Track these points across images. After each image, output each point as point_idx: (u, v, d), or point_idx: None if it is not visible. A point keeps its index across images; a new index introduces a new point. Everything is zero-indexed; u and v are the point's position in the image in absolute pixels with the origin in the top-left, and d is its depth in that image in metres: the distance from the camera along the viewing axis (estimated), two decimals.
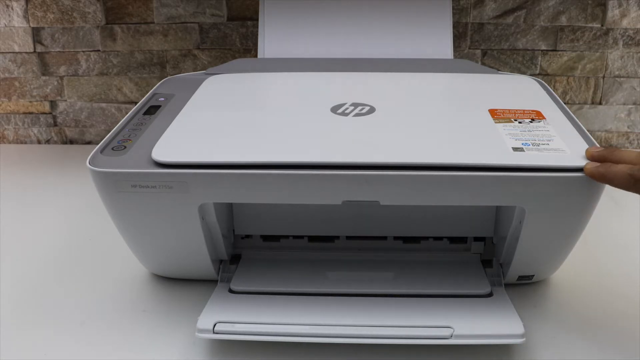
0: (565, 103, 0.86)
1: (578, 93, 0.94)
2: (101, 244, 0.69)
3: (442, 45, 0.78)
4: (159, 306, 0.59)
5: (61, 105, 0.99)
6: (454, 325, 0.51)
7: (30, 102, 0.99)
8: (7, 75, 0.97)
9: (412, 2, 0.79)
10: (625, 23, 0.89)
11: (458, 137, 0.54)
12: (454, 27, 0.89)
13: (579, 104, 0.95)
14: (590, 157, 0.50)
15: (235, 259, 0.63)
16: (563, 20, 0.90)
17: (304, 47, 0.79)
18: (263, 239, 0.63)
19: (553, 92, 0.64)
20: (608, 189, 0.51)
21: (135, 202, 0.52)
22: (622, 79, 0.93)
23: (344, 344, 0.53)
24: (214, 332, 0.51)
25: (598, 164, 0.49)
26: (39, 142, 1.02)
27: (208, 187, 0.51)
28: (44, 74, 0.97)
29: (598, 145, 0.53)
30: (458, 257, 0.62)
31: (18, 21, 0.93)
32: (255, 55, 0.81)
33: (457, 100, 0.65)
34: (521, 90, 0.65)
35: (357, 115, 0.57)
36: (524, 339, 0.50)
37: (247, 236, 0.64)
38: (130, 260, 0.61)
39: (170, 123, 0.57)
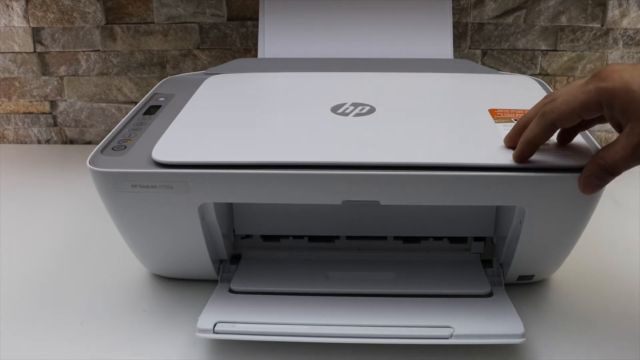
0: None
1: None
2: (101, 244, 0.69)
3: (442, 45, 0.78)
4: (159, 306, 0.59)
5: (61, 105, 0.99)
6: (454, 325, 0.51)
7: (30, 102, 0.99)
8: (7, 75, 0.97)
9: (412, 2, 0.79)
10: (625, 23, 0.89)
11: (458, 137, 0.54)
12: (454, 27, 0.89)
13: None
14: (510, 142, 0.51)
15: (235, 259, 0.63)
16: (563, 20, 0.90)
17: (304, 47, 0.79)
18: (263, 239, 0.63)
19: None
20: (608, 189, 0.51)
21: (135, 202, 0.52)
22: None
23: (344, 344, 0.53)
24: (214, 332, 0.51)
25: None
26: (39, 142, 1.02)
27: (208, 187, 0.51)
28: (44, 74, 0.97)
29: (596, 143, 0.53)
30: (458, 257, 0.62)
31: (18, 21, 0.93)
32: (255, 55, 0.81)
33: (457, 100, 0.65)
34: (521, 90, 0.65)
35: (357, 115, 0.57)
36: (524, 339, 0.50)
37: (247, 236, 0.64)
38: (130, 260, 0.62)
39: (171, 123, 0.57)
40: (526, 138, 0.48)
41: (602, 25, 0.90)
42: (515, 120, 0.56)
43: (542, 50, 0.92)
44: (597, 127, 0.98)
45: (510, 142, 0.51)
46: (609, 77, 0.44)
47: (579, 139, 0.53)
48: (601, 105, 0.44)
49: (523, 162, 0.49)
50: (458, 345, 0.51)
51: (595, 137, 0.78)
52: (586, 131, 0.55)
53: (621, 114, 0.43)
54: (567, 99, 0.45)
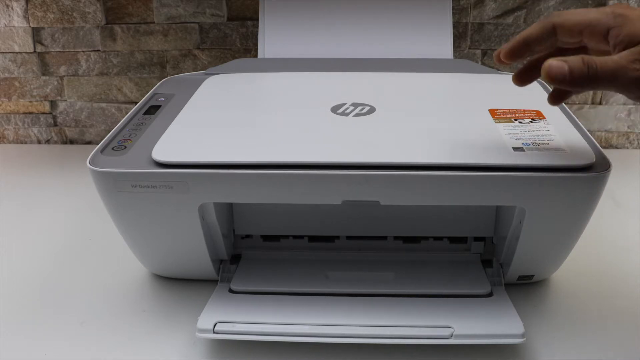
0: (565, 103, 0.86)
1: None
2: (101, 244, 0.69)
3: (442, 45, 0.78)
4: (159, 306, 0.59)
5: (61, 105, 0.99)
6: (454, 325, 0.51)
7: (30, 102, 0.99)
8: (7, 75, 0.97)
9: (412, 2, 0.79)
10: None
11: (458, 137, 0.54)
12: (454, 27, 0.89)
13: (579, 104, 0.95)
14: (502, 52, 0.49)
15: (235, 259, 0.63)
16: None
17: (304, 47, 0.79)
18: (263, 239, 0.63)
19: None
20: (608, 189, 0.51)
21: (135, 202, 0.52)
22: None
23: (344, 344, 0.53)
24: (214, 332, 0.51)
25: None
26: (39, 142, 1.02)
27: (208, 187, 0.51)
28: (44, 74, 0.97)
29: (596, 143, 0.53)
30: (458, 257, 0.62)
31: (18, 21, 0.93)
32: (255, 55, 0.81)
33: (457, 100, 0.65)
34: (521, 90, 0.65)
35: (357, 115, 0.57)
36: (524, 339, 0.50)
37: (247, 236, 0.64)
38: (130, 260, 0.61)
39: (171, 123, 0.57)
40: (522, 34, 0.47)
41: None
42: (515, 120, 0.56)
43: None
44: (596, 126, 0.98)
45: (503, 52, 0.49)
46: (628, 7, 0.44)
47: (579, 138, 0.53)
48: (608, 31, 0.43)
49: (511, 59, 0.48)
50: (458, 345, 0.51)
51: (595, 137, 0.78)
52: (587, 131, 0.55)
53: (632, 35, 0.42)
54: (579, 11, 0.45)
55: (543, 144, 0.52)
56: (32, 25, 0.93)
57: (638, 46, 0.42)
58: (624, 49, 0.43)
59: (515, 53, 0.47)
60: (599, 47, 0.45)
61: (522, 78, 0.50)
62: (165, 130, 0.56)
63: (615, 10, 0.44)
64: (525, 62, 0.50)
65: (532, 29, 0.47)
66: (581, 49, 0.46)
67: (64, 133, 1.01)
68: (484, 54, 0.93)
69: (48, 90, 0.98)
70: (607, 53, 0.44)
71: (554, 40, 0.46)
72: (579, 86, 0.43)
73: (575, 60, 0.42)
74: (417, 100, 0.62)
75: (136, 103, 0.72)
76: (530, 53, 0.47)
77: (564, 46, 0.47)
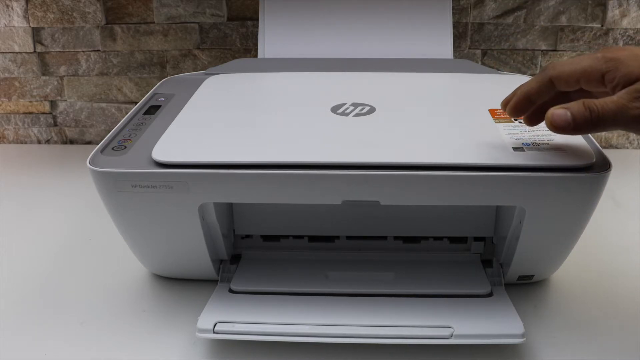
0: None
1: None
2: (101, 244, 0.69)
3: (442, 45, 0.78)
4: (159, 306, 0.59)
5: (61, 105, 0.99)
6: (454, 325, 0.51)
7: (30, 102, 0.99)
8: (7, 75, 0.97)
9: (412, 2, 0.79)
10: (625, 23, 0.89)
11: (458, 137, 0.54)
12: (454, 27, 0.89)
13: None
14: (505, 105, 0.50)
15: (235, 259, 0.63)
16: (563, 20, 0.90)
17: (304, 47, 0.79)
18: (263, 239, 0.63)
19: None
20: (608, 189, 0.51)
21: (135, 202, 0.52)
22: None
23: (344, 344, 0.53)
24: (214, 332, 0.51)
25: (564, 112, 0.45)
26: (39, 142, 1.02)
27: (208, 187, 0.51)
28: (44, 74, 0.97)
29: (596, 143, 0.53)
30: (458, 257, 0.62)
31: (18, 21, 0.93)
32: (255, 55, 0.81)
33: (457, 100, 0.65)
34: None
35: (357, 115, 0.57)
36: (524, 339, 0.50)
37: (247, 236, 0.64)
38: (130, 260, 0.62)
39: (171, 123, 0.57)
40: (522, 90, 0.48)
41: (602, 25, 0.90)
42: (515, 119, 0.56)
43: (542, 50, 0.92)
44: None
45: (506, 104, 0.51)
46: (618, 49, 0.45)
47: (578, 138, 0.53)
48: (603, 76, 0.44)
49: (516, 115, 0.50)
50: (458, 345, 0.51)
51: (595, 137, 0.78)
52: None
53: (627, 75, 0.43)
54: (572, 61, 0.46)
55: (543, 144, 0.52)
56: (32, 25, 0.93)
57: (635, 85, 0.43)
58: (621, 90, 0.44)
59: (519, 109, 0.49)
60: (597, 90, 0.46)
61: (532, 120, 0.51)
62: (165, 130, 0.56)
63: (605, 55, 0.45)
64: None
65: (531, 84, 0.48)
66: (583, 91, 0.47)
67: (64, 133, 1.01)
68: (484, 54, 0.93)
69: (48, 90, 0.98)
70: (608, 94, 0.45)
71: (554, 91, 0.47)
72: (584, 131, 0.44)
73: (576, 106, 0.44)
74: (417, 100, 0.62)
75: (136, 103, 0.73)
76: (533, 106, 0.49)
77: (565, 90, 0.48)
